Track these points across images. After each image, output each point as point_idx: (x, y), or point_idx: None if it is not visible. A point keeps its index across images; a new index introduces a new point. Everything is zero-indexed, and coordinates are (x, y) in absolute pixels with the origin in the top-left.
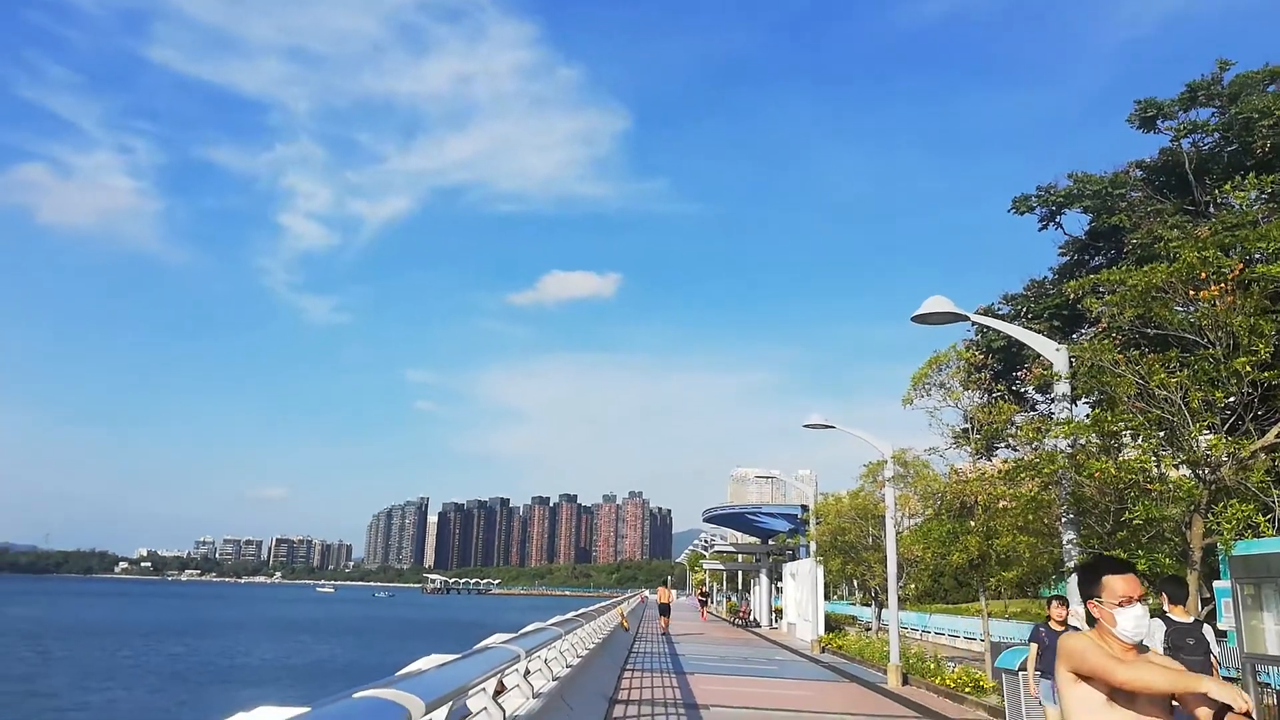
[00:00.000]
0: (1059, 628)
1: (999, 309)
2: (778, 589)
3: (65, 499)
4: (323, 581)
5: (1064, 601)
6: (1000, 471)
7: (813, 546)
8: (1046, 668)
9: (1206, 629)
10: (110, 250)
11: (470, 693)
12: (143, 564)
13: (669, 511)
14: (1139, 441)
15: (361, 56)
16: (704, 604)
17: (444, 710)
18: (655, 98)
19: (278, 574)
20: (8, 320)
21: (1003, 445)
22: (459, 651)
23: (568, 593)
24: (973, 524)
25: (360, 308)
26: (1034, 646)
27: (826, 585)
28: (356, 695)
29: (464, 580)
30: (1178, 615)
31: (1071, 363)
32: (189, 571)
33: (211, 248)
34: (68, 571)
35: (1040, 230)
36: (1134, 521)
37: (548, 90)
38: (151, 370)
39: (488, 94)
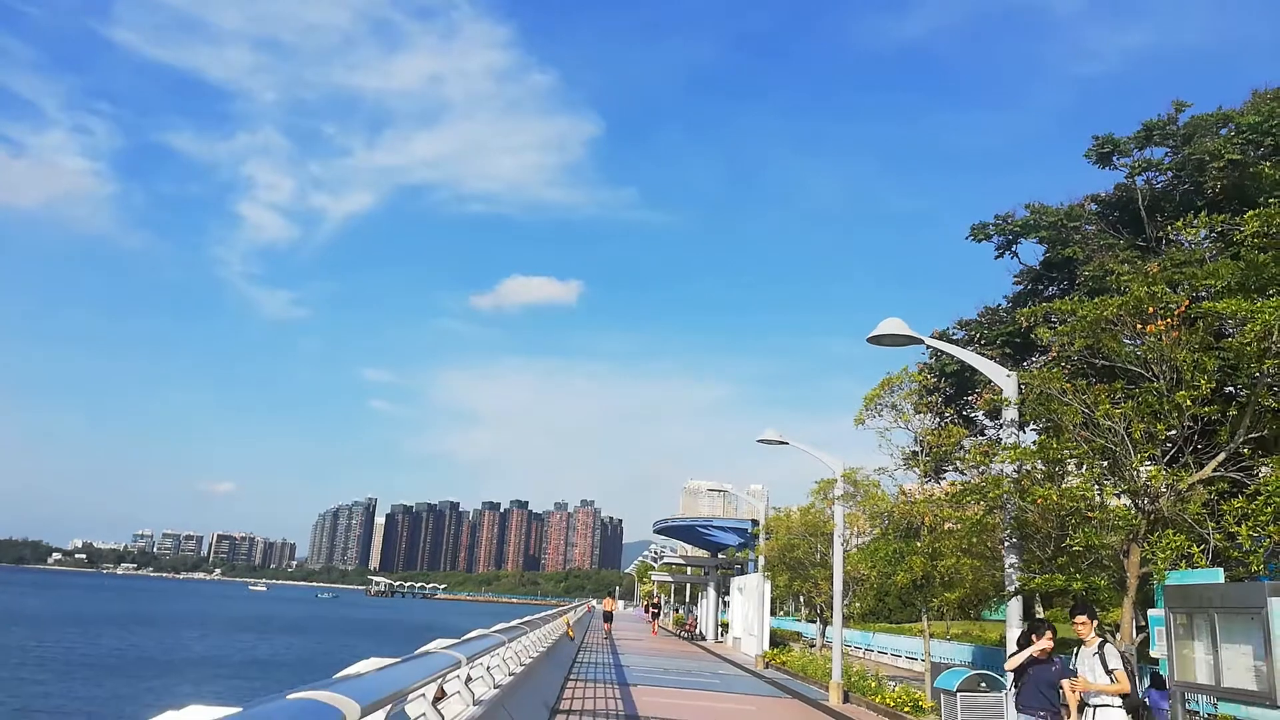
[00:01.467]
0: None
1: (953, 333)
2: (725, 603)
3: None
4: (254, 580)
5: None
6: (947, 494)
7: (761, 561)
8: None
9: (1107, 649)
10: (59, 232)
11: (409, 698)
12: (77, 555)
13: (620, 521)
14: (1082, 470)
15: (332, 49)
16: (655, 617)
17: (381, 715)
18: (627, 106)
19: (218, 570)
20: None
21: (951, 468)
22: (399, 654)
23: (514, 600)
24: (919, 545)
25: (318, 303)
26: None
27: (773, 601)
28: (290, 696)
29: (409, 584)
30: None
31: (1021, 389)
32: (125, 565)
33: (167, 234)
34: None
35: (996, 258)
36: (1074, 548)
37: (520, 94)
38: (96, 356)
39: (459, 94)
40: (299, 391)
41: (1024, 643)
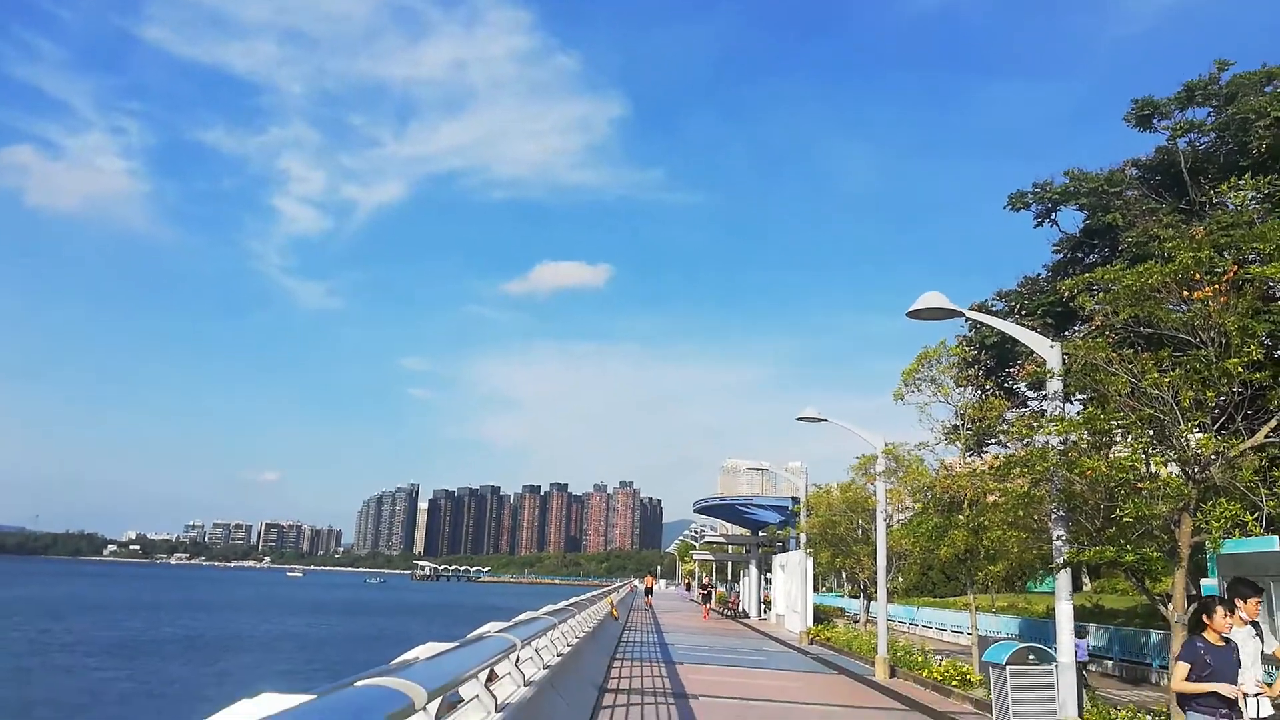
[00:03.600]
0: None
1: (993, 305)
2: (767, 580)
3: (54, 481)
4: (292, 567)
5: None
6: (990, 467)
7: (803, 538)
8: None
9: (1265, 630)
10: (100, 231)
11: (464, 681)
12: (131, 547)
13: (659, 502)
14: (1130, 439)
15: (357, 39)
16: (706, 600)
17: (437, 699)
18: (653, 86)
19: (267, 559)
20: None
21: (993, 441)
22: (454, 636)
23: (557, 581)
24: (961, 518)
25: (353, 293)
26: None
27: (816, 577)
28: (359, 683)
29: (453, 568)
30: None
31: (1065, 360)
32: (178, 555)
33: (203, 230)
34: (56, 554)
35: (1035, 227)
36: (1124, 519)
37: (545, 77)
38: (143, 352)
39: (484, 80)
40: (339, 381)
41: (1196, 624)
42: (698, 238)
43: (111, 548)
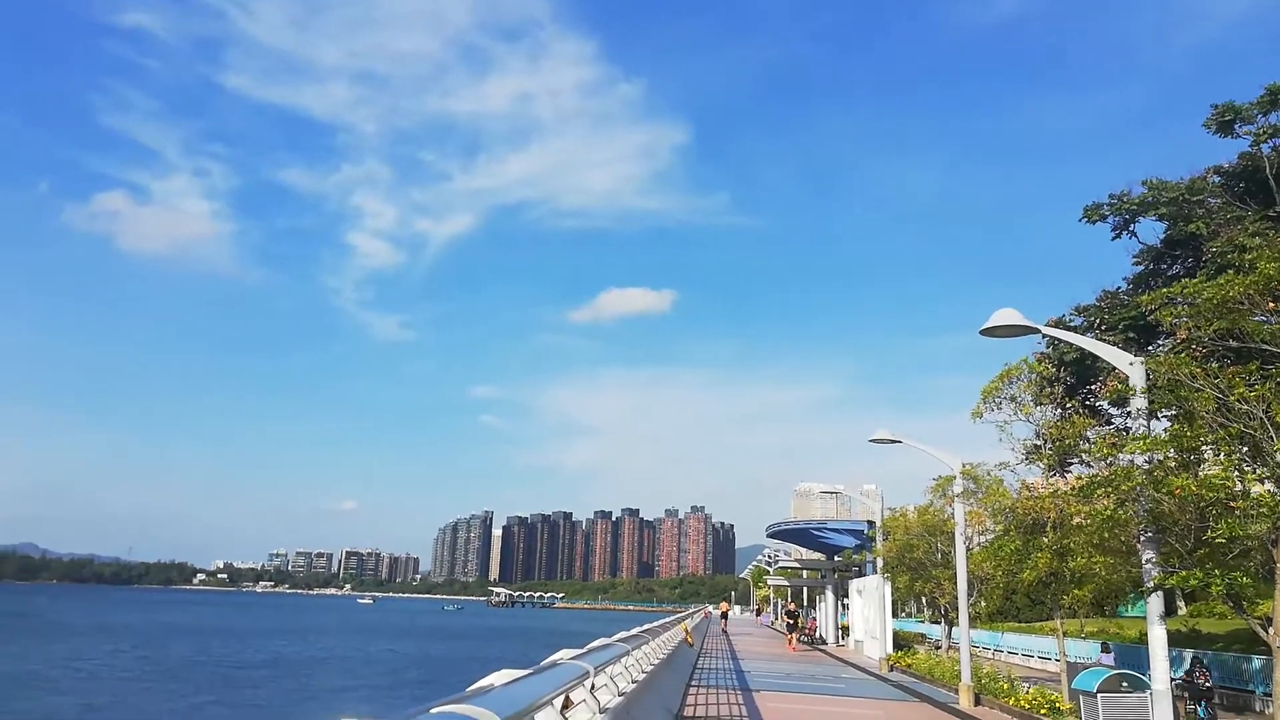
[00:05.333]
0: None
1: (1071, 320)
2: (844, 606)
3: (148, 513)
4: (363, 594)
5: None
6: (1074, 487)
7: (879, 563)
8: None
9: None
10: (186, 272)
11: (539, 708)
12: (219, 575)
13: (731, 526)
14: (1220, 457)
15: (425, 78)
16: (792, 629)
17: None
18: (715, 110)
19: (347, 586)
20: (94, 343)
21: (1076, 461)
22: (533, 660)
23: (631, 607)
24: (1045, 541)
25: (426, 324)
26: None
27: (894, 602)
28: (434, 710)
29: (529, 594)
30: None
31: (1148, 376)
32: (263, 583)
33: (283, 267)
34: (149, 583)
35: (1113, 239)
36: (1216, 539)
37: (608, 106)
38: (228, 387)
39: (549, 111)
40: (413, 411)
41: None
42: (761, 259)
43: (201, 576)
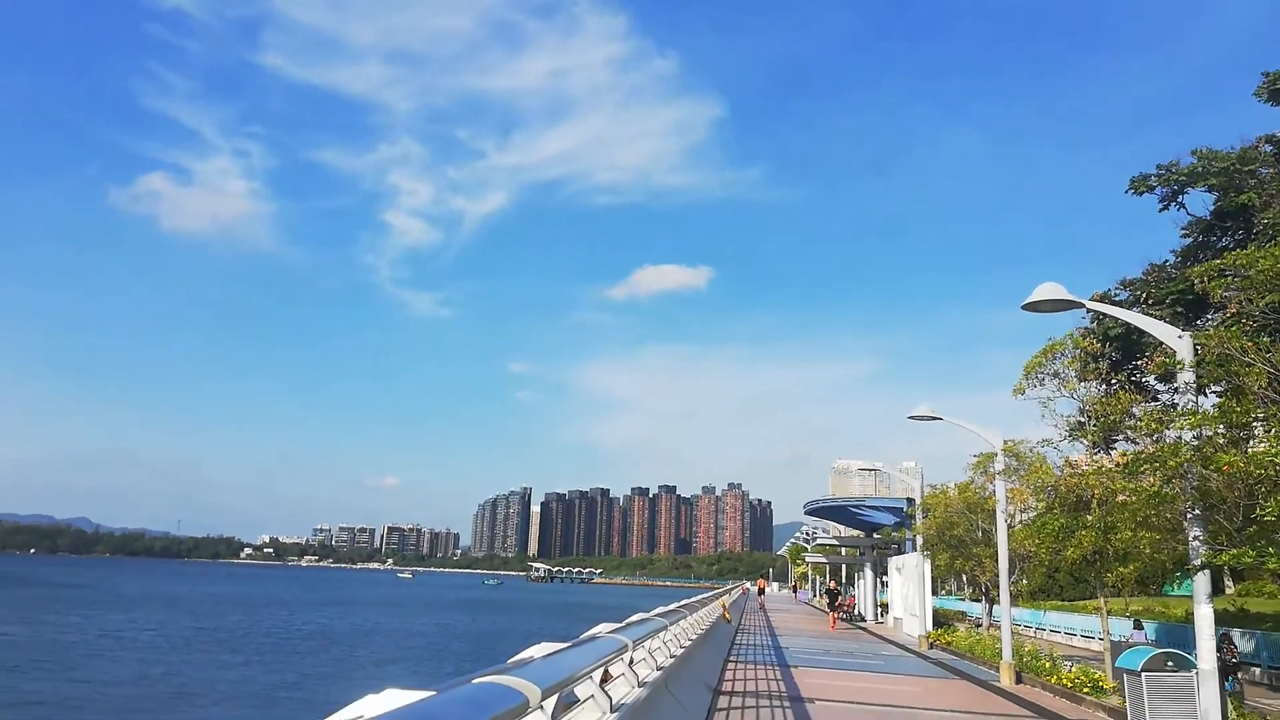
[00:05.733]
0: None
1: (1117, 295)
2: (883, 583)
3: (196, 489)
4: (403, 569)
5: None
6: (1118, 464)
7: (919, 540)
8: None
9: None
10: (227, 251)
11: (578, 680)
12: (265, 550)
13: (769, 503)
14: (1270, 433)
15: (459, 55)
16: (834, 606)
17: (552, 697)
18: (751, 84)
19: (390, 560)
20: (138, 326)
21: (1121, 437)
22: (571, 635)
23: (669, 583)
24: (1089, 518)
25: (462, 302)
26: None
27: (934, 580)
28: (476, 680)
29: (567, 569)
30: None
31: (1197, 350)
32: (307, 557)
33: (322, 246)
34: (198, 556)
35: (1161, 211)
36: (1266, 517)
37: (642, 81)
38: (270, 366)
39: (583, 87)
40: (451, 387)
41: None
42: (798, 234)
43: (247, 550)
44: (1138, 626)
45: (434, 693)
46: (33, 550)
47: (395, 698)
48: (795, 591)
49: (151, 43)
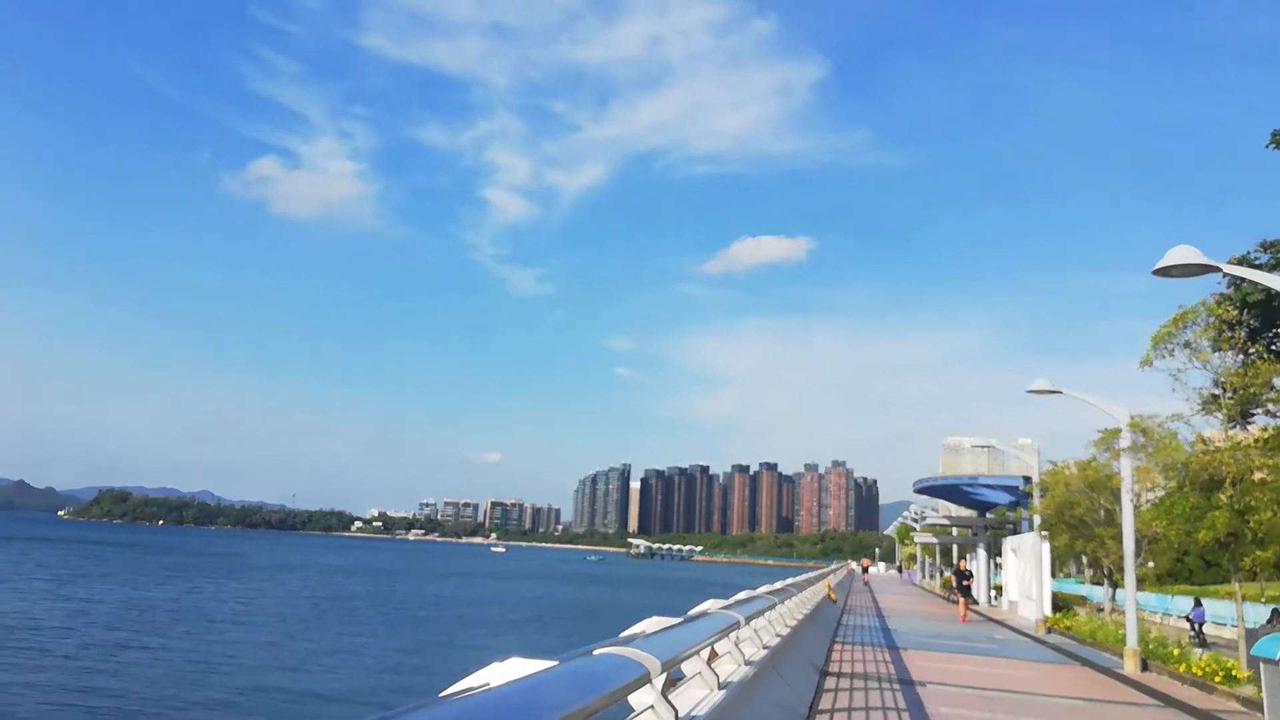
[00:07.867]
0: None
1: (1256, 257)
2: (997, 565)
3: (310, 464)
4: (497, 543)
5: None
6: (1257, 440)
7: (1036, 520)
8: None
9: None
10: (333, 232)
11: (690, 655)
12: (374, 523)
13: (874, 482)
14: None
15: (555, 26)
16: (965, 592)
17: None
18: (853, 41)
19: (493, 535)
20: (254, 307)
21: (1260, 411)
22: (676, 611)
23: (770, 562)
24: (1223, 498)
25: (561, 277)
26: None
27: (1052, 562)
28: (597, 652)
29: (667, 546)
30: None
31: None
32: (414, 531)
33: (424, 224)
34: (311, 529)
35: None
36: None
37: (741, 44)
38: (382, 343)
39: (680, 53)
40: (552, 363)
41: None
42: (905, 200)
43: (358, 524)
44: (1277, 616)
45: (556, 662)
46: (160, 522)
47: (520, 666)
48: (901, 572)
49: (257, 27)
